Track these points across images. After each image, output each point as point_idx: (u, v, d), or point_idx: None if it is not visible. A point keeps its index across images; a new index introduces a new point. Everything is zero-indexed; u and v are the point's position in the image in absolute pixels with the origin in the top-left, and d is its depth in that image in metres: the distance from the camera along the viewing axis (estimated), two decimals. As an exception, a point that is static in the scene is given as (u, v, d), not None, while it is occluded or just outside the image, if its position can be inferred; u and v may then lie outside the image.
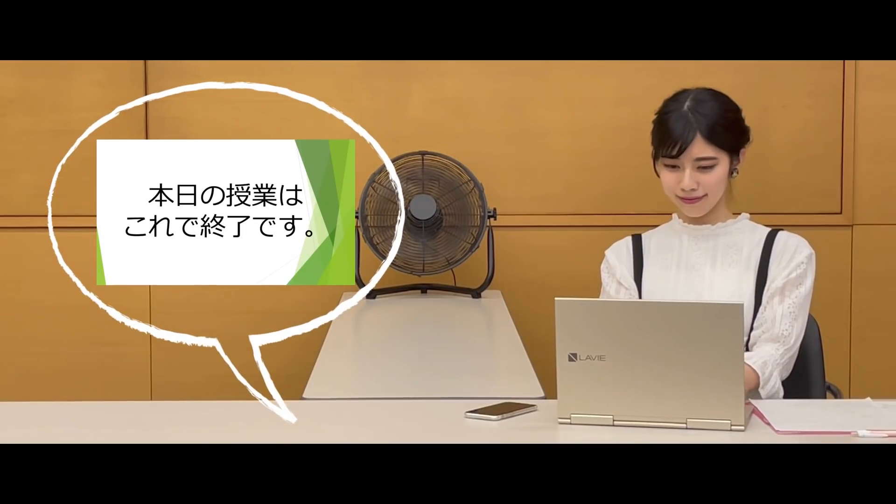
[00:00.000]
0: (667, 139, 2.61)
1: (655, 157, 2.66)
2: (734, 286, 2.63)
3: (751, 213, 2.79)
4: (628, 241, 2.78)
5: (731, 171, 2.65)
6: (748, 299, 2.61)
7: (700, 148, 2.58)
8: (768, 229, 2.71)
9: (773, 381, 2.57)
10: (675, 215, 2.74)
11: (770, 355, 2.58)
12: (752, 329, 2.62)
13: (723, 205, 2.71)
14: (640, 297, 2.71)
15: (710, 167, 2.59)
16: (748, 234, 2.69)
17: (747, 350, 2.61)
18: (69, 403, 2.38)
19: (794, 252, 2.65)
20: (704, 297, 2.61)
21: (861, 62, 4.10)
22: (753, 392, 2.56)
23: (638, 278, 2.72)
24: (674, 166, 2.62)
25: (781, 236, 2.68)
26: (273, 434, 2.09)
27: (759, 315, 2.62)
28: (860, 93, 4.12)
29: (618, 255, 2.78)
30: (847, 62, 4.10)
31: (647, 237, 2.77)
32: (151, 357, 4.17)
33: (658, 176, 2.68)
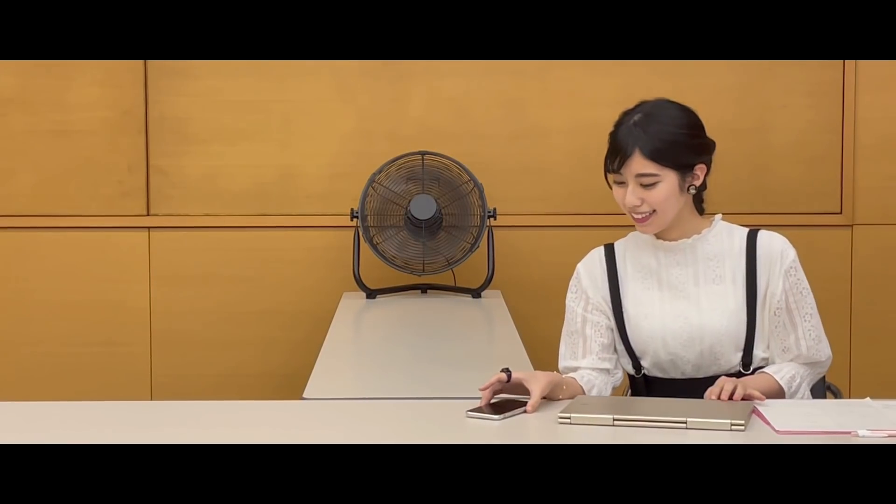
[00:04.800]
0: (610, 152, 2.49)
1: (605, 171, 2.57)
2: (722, 303, 2.51)
3: (750, 213, 2.70)
4: (601, 252, 2.63)
5: (687, 188, 2.50)
6: (738, 315, 2.51)
7: (639, 164, 2.45)
8: (745, 231, 2.57)
9: (800, 393, 2.51)
10: (637, 228, 2.64)
11: (797, 369, 2.52)
12: (747, 345, 2.53)
13: (691, 216, 2.55)
14: (617, 315, 2.57)
15: (653, 184, 2.45)
16: (726, 240, 2.55)
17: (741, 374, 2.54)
18: (69, 403, 2.38)
19: (781, 257, 2.53)
20: (694, 320, 2.50)
21: (861, 62, 4.10)
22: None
23: (615, 293, 2.61)
24: (620, 182, 2.53)
25: (762, 239, 2.55)
26: (273, 434, 2.09)
27: (770, 337, 2.53)
28: (860, 93, 4.12)
29: (590, 272, 2.62)
30: (847, 62, 4.10)
31: (619, 247, 2.63)
32: (151, 357, 4.17)
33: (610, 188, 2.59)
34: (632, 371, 2.57)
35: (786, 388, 2.48)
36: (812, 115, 4.13)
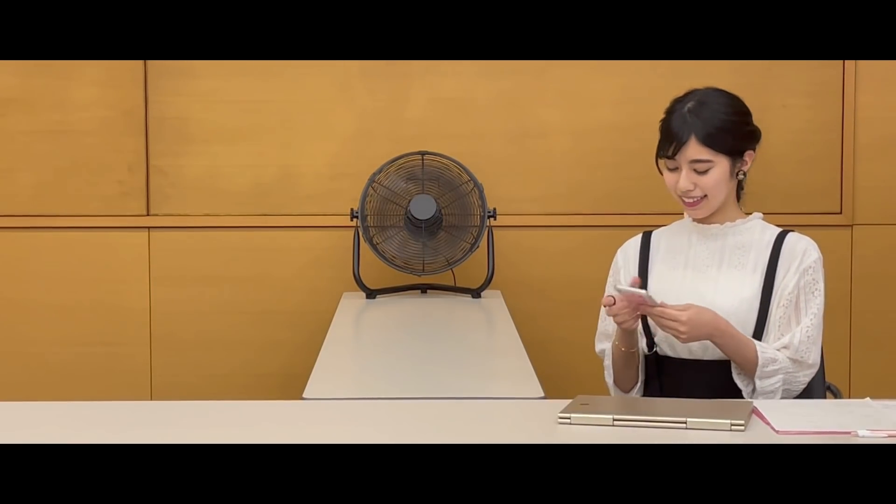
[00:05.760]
0: (664, 139, 2.62)
1: (657, 156, 2.66)
2: (738, 289, 2.61)
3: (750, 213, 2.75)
4: (638, 239, 2.78)
5: (736, 173, 2.63)
6: (751, 303, 2.60)
7: (695, 150, 2.57)
8: (779, 230, 2.68)
9: (771, 381, 2.55)
10: (686, 212, 2.73)
11: (784, 362, 2.56)
12: (755, 335, 2.58)
13: (732, 204, 2.68)
14: None
15: (706, 170, 2.58)
16: (758, 234, 2.66)
17: None
18: (69, 403, 2.38)
19: (802, 255, 2.62)
20: (707, 299, 2.58)
21: (861, 62, 4.11)
22: (748, 376, 2.55)
23: (643, 273, 2.71)
24: (673, 167, 2.62)
25: (790, 238, 2.65)
26: (273, 434, 2.09)
27: (776, 328, 2.59)
28: (860, 93, 4.12)
29: (625, 254, 2.78)
30: (847, 62, 4.10)
31: (657, 234, 2.76)
32: (151, 357, 4.17)
33: (661, 174, 2.68)
34: (645, 349, 2.68)
35: (759, 363, 2.53)
36: (811, 115, 4.13)
